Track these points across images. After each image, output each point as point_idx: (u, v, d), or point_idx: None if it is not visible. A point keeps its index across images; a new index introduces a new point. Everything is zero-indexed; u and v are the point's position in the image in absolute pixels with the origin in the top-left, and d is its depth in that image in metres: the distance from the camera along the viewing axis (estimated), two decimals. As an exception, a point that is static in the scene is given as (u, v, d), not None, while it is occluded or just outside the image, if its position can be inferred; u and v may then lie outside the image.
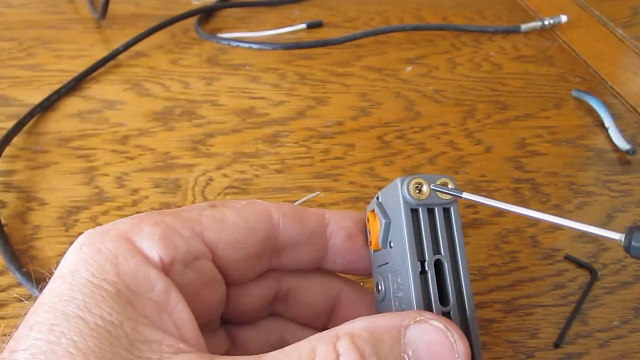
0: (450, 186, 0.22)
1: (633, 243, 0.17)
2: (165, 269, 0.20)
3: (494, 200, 0.21)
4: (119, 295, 0.18)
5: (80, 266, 0.19)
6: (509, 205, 0.21)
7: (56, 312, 0.17)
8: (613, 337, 0.32)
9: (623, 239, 0.18)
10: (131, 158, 0.41)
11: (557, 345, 0.31)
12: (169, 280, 0.20)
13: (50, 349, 0.17)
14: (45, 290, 0.19)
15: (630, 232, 0.17)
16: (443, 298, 0.22)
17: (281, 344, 0.20)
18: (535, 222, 0.38)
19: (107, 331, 0.17)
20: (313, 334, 0.19)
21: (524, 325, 0.32)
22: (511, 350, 0.31)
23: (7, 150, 0.41)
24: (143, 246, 0.20)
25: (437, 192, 0.22)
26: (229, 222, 0.22)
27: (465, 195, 0.22)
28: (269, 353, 0.18)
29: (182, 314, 0.19)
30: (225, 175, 0.40)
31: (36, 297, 0.19)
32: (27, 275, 0.32)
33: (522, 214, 0.21)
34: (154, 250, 0.20)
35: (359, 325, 0.19)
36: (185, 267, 0.21)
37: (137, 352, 0.17)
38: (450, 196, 0.22)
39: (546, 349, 0.31)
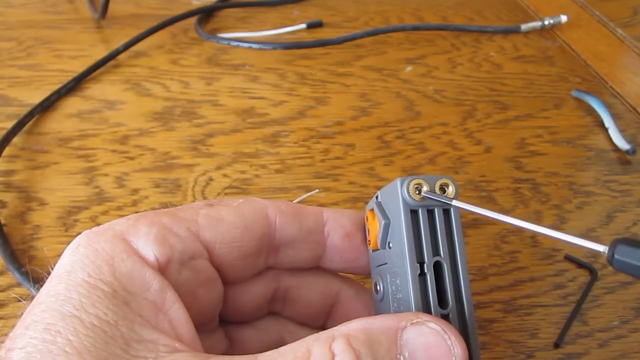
0: (451, 187, 0.22)
1: (616, 256, 0.17)
2: (161, 269, 0.20)
3: (483, 209, 0.21)
4: (114, 295, 0.18)
5: (77, 266, 0.19)
6: (497, 214, 0.21)
7: (52, 312, 0.18)
8: (613, 337, 0.32)
9: (607, 252, 0.17)
10: (131, 158, 0.41)
11: (557, 345, 0.31)
12: (165, 280, 0.20)
13: (46, 347, 0.17)
14: (41, 290, 0.19)
15: (613, 245, 0.17)
16: (442, 300, 0.22)
17: (280, 343, 0.20)
18: (535, 222, 0.38)
19: (103, 331, 0.17)
20: (312, 333, 0.19)
21: (524, 325, 0.32)
22: (511, 350, 0.31)
23: (7, 150, 0.41)
24: (139, 246, 0.20)
25: (437, 193, 0.22)
26: (225, 220, 0.22)
27: (455, 203, 0.21)
28: (264, 353, 0.18)
29: (178, 313, 0.19)
30: (225, 175, 0.40)
31: (34, 297, 0.19)
32: (27, 276, 0.32)
33: (509, 222, 0.20)
34: (149, 250, 0.20)
35: (355, 326, 0.19)
36: (182, 266, 0.21)
37: (133, 351, 0.17)
38: (441, 203, 0.22)
39: (546, 349, 0.31)
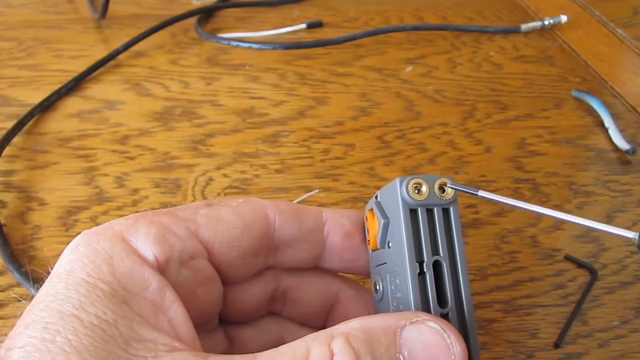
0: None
1: None
2: (161, 268, 0.20)
3: (509, 199, 0.21)
4: (114, 295, 0.18)
5: (76, 266, 0.19)
6: (525, 203, 0.21)
7: (51, 311, 0.18)
8: (613, 337, 0.32)
9: (637, 238, 0.18)
10: (131, 158, 0.41)
11: (557, 345, 0.31)
12: (164, 280, 0.20)
13: (45, 347, 0.17)
14: (41, 290, 0.19)
15: None
16: (441, 300, 0.22)
17: (279, 343, 0.20)
18: (535, 222, 0.38)
19: (102, 330, 0.17)
20: (311, 333, 0.19)
21: (524, 325, 0.32)
22: (511, 350, 0.31)
23: (7, 150, 0.41)
24: (138, 246, 0.20)
25: (436, 193, 0.22)
26: (225, 220, 0.22)
27: (481, 193, 0.21)
28: (263, 352, 0.18)
29: (177, 312, 0.19)
30: (225, 175, 0.40)
31: (33, 296, 0.19)
32: (27, 276, 0.32)
33: (537, 212, 0.20)
34: (149, 249, 0.20)
35: (355, 325, 0.19)
36: (181, 266, 0.21)
37: (132, 350, 0.17)
38: (467, 194, 0.22)
39: (546, 349, 0.31)
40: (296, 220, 0.24)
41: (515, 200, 0.21)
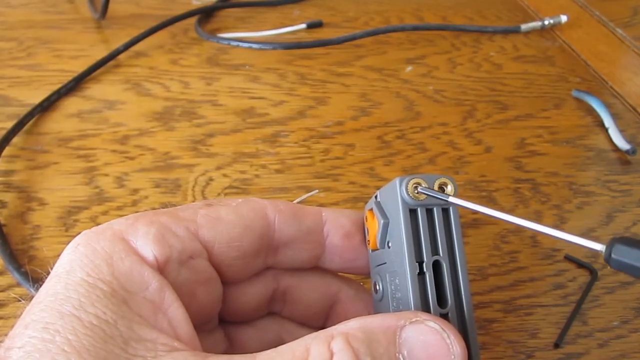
0: (449, 186, 0.22)
1: (613, 256, 0.17)
2: (160, 268, 0.20)
3: (479, 206, 0.21)
4: (113, 295, 0.18)
5: (76, 265, 0.19)
6: (493, 211, 0.20)
7: (51, 311, 0.18)
8: (613, 337, 0.32)
9: (604, 251, 0.17)
10: (131, 158, 0.41)
11: (557, 345, 0.31)
12: (164, 280, 0.20)
13: (45, 346, 0.17)
14: (41, 290, 0.19)
15: (611, 244, 0.17)
16: (441, 299, 0.22)
17: (279, 343, 0.20)
18: (535, 222, 0.38)
19: (102, 330, 0.17)
20: (311, 333, 0.19)
21: (524, 325, 0.32)
22: (511, 350, 0.31)
23: (7, 150, 0.41)
24: (138, 245, 0.20)
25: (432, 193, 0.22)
26: (224, 220, 0.22)
27: (451, 199, 0.21)
28: (262, 352, 0.18)
29: (176, 312, 0.19)
30: (225, 175, 0.40)
31: (33, 296, 0.19)
32: (26, 276, 0.32)
33: (506, 220, 0.20)
34: (148, 249, 0.20)
35: (354, 324, 0.19)
36: (181, 266, 0.21)
37: (132, 350, 0.17)
38: (439, 200, 0.22)
39: (546, 349, 0.31)
40: (296, 220, 0.24)
41: (487, 209, 0.21)
